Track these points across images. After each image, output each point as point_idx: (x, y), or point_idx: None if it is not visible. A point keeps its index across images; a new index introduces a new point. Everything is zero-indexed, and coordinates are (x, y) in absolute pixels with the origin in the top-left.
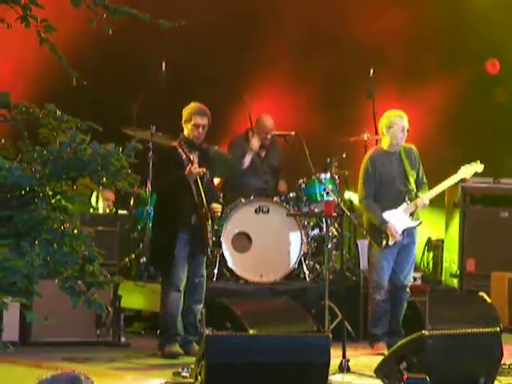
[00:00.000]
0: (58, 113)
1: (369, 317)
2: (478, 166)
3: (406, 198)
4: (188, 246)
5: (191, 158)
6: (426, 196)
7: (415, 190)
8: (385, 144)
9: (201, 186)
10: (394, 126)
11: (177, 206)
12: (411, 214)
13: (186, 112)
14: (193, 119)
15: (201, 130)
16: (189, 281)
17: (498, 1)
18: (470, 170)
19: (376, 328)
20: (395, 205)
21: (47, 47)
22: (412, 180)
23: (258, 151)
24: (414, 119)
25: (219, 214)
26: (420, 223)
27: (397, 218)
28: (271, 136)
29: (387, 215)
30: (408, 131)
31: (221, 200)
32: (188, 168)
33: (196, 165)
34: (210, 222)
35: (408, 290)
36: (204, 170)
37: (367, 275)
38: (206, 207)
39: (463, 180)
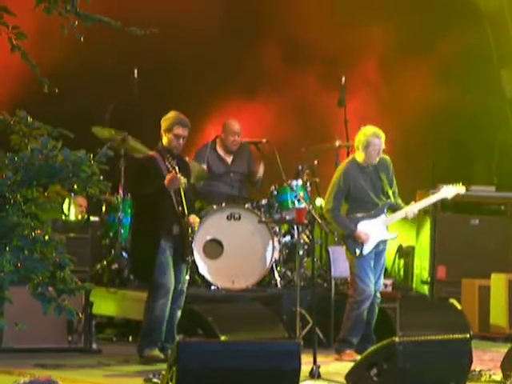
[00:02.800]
0: (30, 119)
1: (346, 323)
2: (460, 188)
3: (385, 210)
4: (171, 253)
5: (176, 168)
6: (399, 212)
7: (394, 201)
8: (359, 158)
9: (182, 195)
10: (370, 146)
11: (158, 215)
12: (388, 227)
13: (166, 121)
14: (174, 129)
15: (181, 140)
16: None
17: None
18: (451, 191)
19: (353, 336)
20: (372, 217)
21: (17, 55)
22: (390, 192)
23: (224, 158)
24: (387, 128)
25: (196, 225)
26: (396, 236)
27: (373, 229)
28: (239, 142)
29: (363, 225)
30: (384, 151)
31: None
32: (169, 177)
33: (179, 175)
34: (190, 230)
35: (379, 295)
36: (185, 180)
37: (350, 283)
38: (186, 216)
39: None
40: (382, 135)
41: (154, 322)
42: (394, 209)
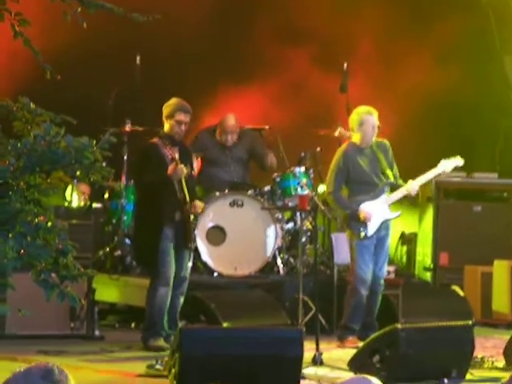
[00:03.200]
0: (32, 106)
1: (346, 310)
2: (458, 160)
3: (385, 190)
4: (173, 241)
5: (176, 157)
6: (400, 190)
7: (394, 181)
8: (356, 140)
9: (183, 183)
10: (364, 124)
11: (161, 202)
12: (389, 207)
13: (168, 108)
14: (176, 115)
15: (183, 126)
16: (174, 275)
17: None
18: (450, 164)
19: (353, 323)
20: (373, 198)
21: (21, 41)
22: (389, 173)
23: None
24: (386, 114)
25: (200, 211)
26: (399, 215)
27: (375, 209)
28: (234, 139)
29: (366, 206)
30: (379, 127)
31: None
32: (172, 167)
33: (182, 165)
34: (192, 217)
35: (382, 282)
36: (187, 168)
37: (350, 269)
38: (188, 203)
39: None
40: (375, 112)
41: (156, 311)
42: (394, 188)
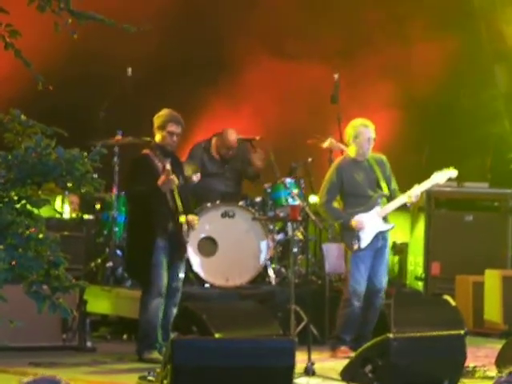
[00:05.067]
0: (23, 118)
1: (339, 320)
2: (452, 172)
3: (379, 202)
4: (166, 252)
5: (167, 167)
6: (393, 202)
7: (389, 194)
8: (352, 153)
9: (176, 192)
10: (359, 136)
11: (153, 213)
12: (384, 218)
13: (159, 119)
14: (168, 127)
15: (175, 137)
16: (167, 286)
17: None
18: (443, 176)
19: (345, 334)
20: (366, 210)
21: (12, 52)
22: (384, 186)
23: (218, 157)
24: (378, 123)
25: (196, 225)
26: (393, 227)
27: (368, 221)
28: (232, 155)
29: (358, 217)
30: (374, 140)
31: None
32: (162, 178)
33: (173, 176)
34: (187, 229)
35: (383, 295)
36: (178, 179)
37: (344, 280)
38: (182, 213)
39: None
40: (371, 124)
41: (149, 323)
42: (389, 201)
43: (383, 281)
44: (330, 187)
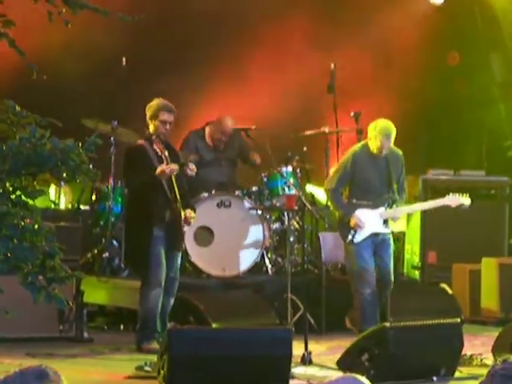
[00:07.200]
0: (18, 108)
1: (356, 315)
2: (466, 200)
3: (386, 204)
4: (163, 242)
5: (166, 155)
6: (399, 209)
7: (397, 198)
8: (372, 146)
9: (174, 181)
10: (381, 141)
11: (150, 203)
12: (385, 221)
13: (151, 109)
14: (160, 115)
15: (168, 126)
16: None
17: None
18: (456, 200)
19: (367, 324)
20: (371, 207)
21: (5, 42)
22: (396, 187)
23: (212, 146)
24: (374, 113)
25: (192, 219)
26: (390, 232)
27: (369, 219)
28: (225, 141)
29: (360, 212)
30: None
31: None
32: (161, 168)
33: (172, 165)
34: (183, 217)
35: (392, 278)
36: (176, 166)
37: (347, 273)
38: (179, 202)
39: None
40: (393, 131)
41: (148, 313)
42: (396, 205)
43: (391, 270)
44: (342, 176)
